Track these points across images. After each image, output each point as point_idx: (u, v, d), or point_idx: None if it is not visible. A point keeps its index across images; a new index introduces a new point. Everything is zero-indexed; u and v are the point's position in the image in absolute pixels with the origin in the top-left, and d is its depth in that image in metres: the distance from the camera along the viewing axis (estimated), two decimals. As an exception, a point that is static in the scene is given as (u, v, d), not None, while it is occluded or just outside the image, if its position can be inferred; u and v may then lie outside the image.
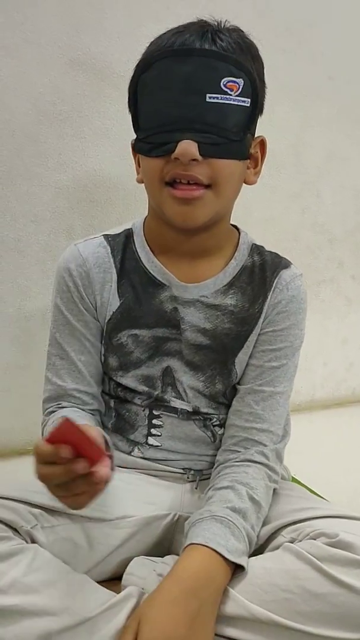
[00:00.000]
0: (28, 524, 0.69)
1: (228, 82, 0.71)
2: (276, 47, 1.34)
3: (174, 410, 0.86)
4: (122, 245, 0.86)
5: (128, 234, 0.87)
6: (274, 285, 0.85)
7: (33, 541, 0.69)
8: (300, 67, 1.39)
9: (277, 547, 0.71)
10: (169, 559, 0.76)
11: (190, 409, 0.86)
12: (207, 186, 0.74)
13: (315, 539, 0.67)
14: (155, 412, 0.86)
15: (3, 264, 1.19)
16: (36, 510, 0.71)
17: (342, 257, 1.64)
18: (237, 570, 0.68)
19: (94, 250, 0.85)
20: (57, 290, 0.86)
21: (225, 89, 0.71)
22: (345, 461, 1.40)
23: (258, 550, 0.75)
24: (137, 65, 0.76)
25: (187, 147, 0.70)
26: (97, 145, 1.21)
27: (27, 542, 0.67)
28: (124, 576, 0.72)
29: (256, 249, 0.88)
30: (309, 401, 1.70)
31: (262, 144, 0.81)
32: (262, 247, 0.89)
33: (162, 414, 0.87)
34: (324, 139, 1.49)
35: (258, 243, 0.90)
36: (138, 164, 0.82)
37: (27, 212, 1.18)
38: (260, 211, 1.44)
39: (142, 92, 0.74)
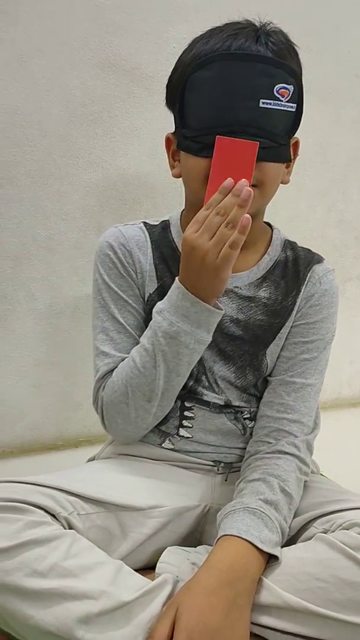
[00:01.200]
0: (65, 510, 0.70)
1: (280, 88, 0.73)
2: (303, 47, 1.34)
3: (207, 403, 0.87)
4: (159, 234, 0.88)
5: (165, 226, 0.90)
6: (307, 279, 0.86)
7: (70, 527, 0.70)
8: (327, 66, 1.40)
9: (309, 538, 0.72)
10: (202, 549, 0.77)
11: (222, 402, 0.87)
12: (255, 185, 0.75)
13: (348, 529, 0.68)
14: (187, 404, 0.88)
15: (34, 261, 1.22)
16: (72, 498, 0.72)
17: (369, 255, 1.64)
18: (270, 560, 0.69)
19: (135, 233, 0.88)
20: (102, 269, 0.87)
21: (278, 95, 0.73)
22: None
23: (290, 541, 0.75)
24: (186, 64, 0.76)
25: None
26: (126, 144, 1.23)
27: (64, 528, 0.69)
28: (157, 564, 0.73)
29: (289, 245, 0.90)
30: (335, 399, 1.70)
31: (296, 144, 0.83)
32: (295, 243, 0.91)
33: (194, 405, 0.88)
34: (350, 137, 1.49)
35: (290, 239, 0.91)
36: (172, 158, 0.84)
37: (59, 211, 1.21)
38: (287, 209, 1.45)
39: (192, 90, 0.75)
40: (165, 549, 0.77)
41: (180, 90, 0.76)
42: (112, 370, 0.85)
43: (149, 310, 0.86)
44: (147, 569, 0.77)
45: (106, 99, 1.19)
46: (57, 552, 0.63)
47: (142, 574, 0.70)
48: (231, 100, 0.72)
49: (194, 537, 0.85)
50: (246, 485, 0.77)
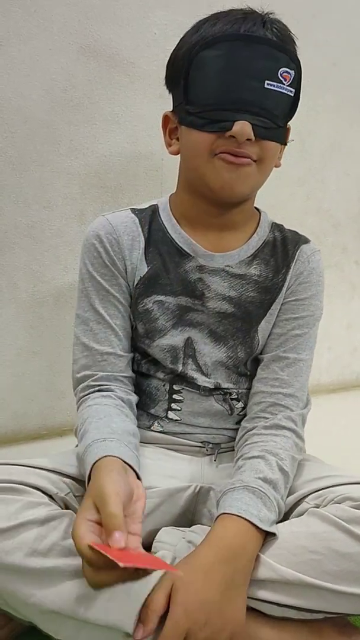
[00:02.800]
0: (62, 491, 0.71)
1: (284, 72, 0.76)
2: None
3: (196, 387, 0.89)
4: (148, 218, 0.89)
5: (154, 209, 0.91)
6: (296, 257, 0.90)
7: (67, 508, 0.70)
8: (304, 54, 1.40)
9: (301, 514, 0.74)
10: (197, 528, 0.78)
11: (211, 386, 0.89)
12: (254, 161, 0.79)
13: (340, 503, 0.70)
14: (175, 388, 0.89)
15: (17, 250, 1.21)
16: (67, 480, 0.73)
17: (346, 242, 1.67)
18: (267, 536, 0.71)
19: (122, 220, 0.89)
20: (87, 258, 0.88)
21: (281, 78, 0.76)
22: (351, 444, 1.43)
23: (283, 518, 0.77)
24: (193, 43, 0.78)
25: (245, 127, 0.75)
26: (107, 131, 1.22)
27: (62, 508, 0.69)
28: (154, 544, 0.74)
29: (276, 227, 0.94)
30: (314, 385, 1.72)
31: (288, 131, 0.86)
32: (282, 225, 0.95)
33: (183, 389, 0.89)
34: (328, 126, 1.51)
35: (277, 222, 0.95)
36: (169, 136, 0.86)
37: (40, 198, 1.20)
38: (267, 197, 1.45)
39: (199, 68, 0.77)
40: (158, 530, 0.79)
41: (185, 68, 0.78)
42: (88, 366, 0.85)
43: (137, 295, 0.87)
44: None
45: (87, 85, 1.18)
46: (56, 531, 0.64)
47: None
48: (238, 79, 0.75)
49: (187, 517, 0.86)
50: (245, 462, 0.79)
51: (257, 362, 0.91)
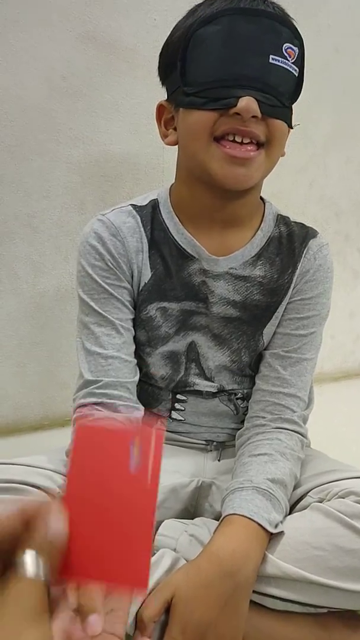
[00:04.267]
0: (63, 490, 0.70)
1: (288, 47, 0.71)
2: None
3: (199, 393, 0.87)
4: (149, 216, 0.84)
5: (154, 205, 0.85)
6: (302, 255, 0.84)
7: None
8: (306, 40, 1.37)
9: (305, 508, 0.73)
10: (199, 521, 0.78)
11: (215, 390, 0.87)
12: (261, 145, 0.73)
13: (343, 498, 0.69)
14: (178, 392, 0.88)
15: (17, 240, 1.20)
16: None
17: (349, 230, 1.65)
18: (272, 535, 0.70)
19: (125, 219, 0.83)
20: (86, 261, 0.81)
21: (285, 54, 0.71)
22: (354, 432, 1.42)
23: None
24: (189, 24, 0.73)
25: (251, 103, 0.69)
26: (107, 119, 1.20)
27: None
28: (156, 537, 0.74)
29: (282, 220, 0.88)
30: (317, 374, 1.70)
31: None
32: (288, 217, 0.89)
33: (185, 393, 0.88)
34: (330, 112, 1.49)
35: (283, 214, 0.89)
36: (165, 127, 0.81)
37: (40, 188, 1.18)
38: (269, 185, 1.43)
39: (197, 46, 0.71)
40: (160, 524, 0.78)
41: (182, 49, 0.72)
42: (92, 372, 0.79)
43: (140, 302, 0.83)
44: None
45: (86, 73, 1.16)
46: None
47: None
48: (240, 54, 0.70)
49: (188, 512, 0.85)
50: (251, 460, 0.77)
51: (260, 360, 0.88)
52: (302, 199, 1.54)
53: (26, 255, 1.21)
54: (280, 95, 0.72)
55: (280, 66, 0.71)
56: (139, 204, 0.85)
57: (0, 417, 1.30)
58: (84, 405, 0.79)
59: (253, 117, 0.70)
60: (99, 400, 0.78)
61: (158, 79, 0.82)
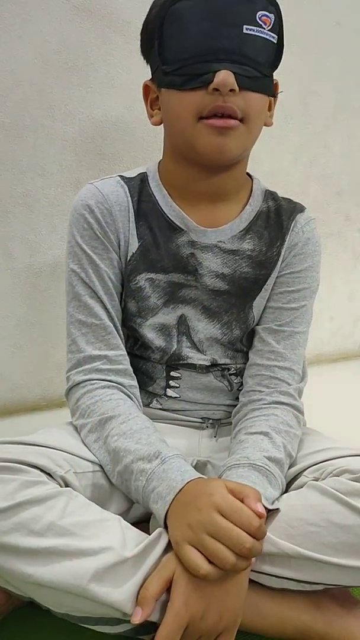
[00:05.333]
0: (62, 469, 0.69)
1: (262, 15, 0.71)
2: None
3: (192, 366, 0.87)
4: (137, 188, 0.85)
5: (143, 178, 0.86)
6: (290, 228, 0.86)
7: (67, 485, 0.69)
8: (308, 13, 1.36)
9: (300, 487, 0.73)
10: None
11: (208, 363, 0.87)
12: (240, 120, 0.74)
13: (338, 476, 0.69)
14: (172, 368, 0.87)
15: (12, 219, 1.18)
16: (68, 456, 0.72)
17: (349, 210, 1.63)
18: (268, 512, 0.69)
19: (113, 189, 0.84)
20: (76, 230, 0.82)
21: (260, 22, 0.71)
22: (352, 413, 1.42)
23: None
24: (163, 1, 0.73)
25: (227, 76, 0.70)
26: (103, 95, 1.18)
27: (61, 486, 0.68)
28: (152, 518, 0.73)
29: (270, 195, 0.89)
30: (316, 355, 1.71)
31: (276, 86, 0.81)
32: (275, 193, 0.90)
33: (180, 368, 0.87)
34: (332, 87, 1.46)
35: (271, 189, 0.90)
36: (151, 107, 0.81)
37: (35, 166, 1.17)
38: (268, 163, 1.42)
39: (172, 24, 0.72)
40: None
41: (158, 27, 0.73)
42: (89, 342, 0.80)
43: (129, 272, 0.84)
44: (140, 522, 0.78)
45: (81, 46, 1.13)
46: (53, 511, 0.62)
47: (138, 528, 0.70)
48: (214, 27, 0.70)
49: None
50: (247, 437, 0.77)
51: (253, 335, 0.89)
52: (302, 177, 1.52)
53: (21, 234, 1.20)
54: (259, 65, 0.72)
55: (255, 35, 0.71)
56: (127, 176, 0.87)
57: (-2, 398, 1.29)
58: (88, 380, 0.79)
59: (231, 90, 0.71)
60: (107, 377, 0.80)
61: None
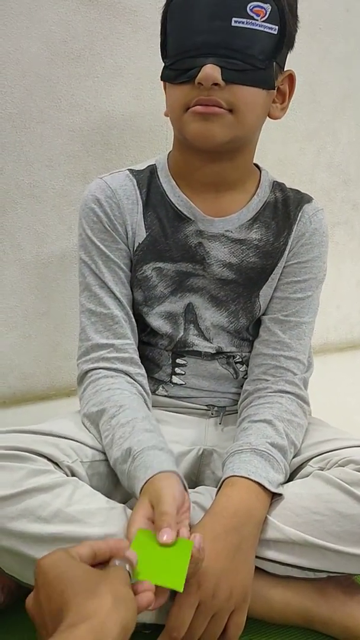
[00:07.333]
0: (69, 458, 0.71)
1: (254, 7, 0.70)
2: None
3: (198, 353, 0.88)
4: (146, 180, 0.86)
5: (152, 170, 0.88)
6: (298, 218, 0.86)
7: (73, 475, 0.71)
8: (316, 0, 1.34)
9: (305, 476, 0.75)
10: (202, 489, 0.79)
11: (213, 351, 0.88)
12: (230, 111, 0.74)
13: (343, 466, 0.70)
14: (178, 354, 0.88)
15: (19, 210, 1.19)
16: (75, 445, 0.73)
17: (357, 198, 1.63)
18: (274, 497, 0.71)
19: (121, 182, 0.86)
20: (86, 223, 0.85)
21: (252, 14, 0.70)
22: (358, 402, 1.43)
23: (287, 480, 0.77)
24: None
25: (210, 71, 0.70)
26: (110, 85, 1.18)
27: (67, 475, 0.70)
28: None
29: (277, 186, 0.90)
30: (322, 344, 1.72)
31: (291, 78, 0.80)
32: (283, 184, 0.91)
33: (185, 355, 0.88)
34: (340, 75, 1.45)
35: (279, 181, 0.91)
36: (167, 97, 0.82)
37: (42, 157, 1.17)
38: (275, 152, 1.42)
39: (170, 19, 0.74)
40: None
41: (162, 22, 0.76)
42: (98, 331, 0.83)
43: (136, 261, 0.85)
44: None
45: (88, 36, 1.13)
46: (60, 498, 0.64)
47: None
48: (201, 21, 0.71)
49: (190, 479, 0.87)
50: (251, 425, 0.78)
51: (259, 325, 0.90)
52: (309, 166, 1.51)
53: (29, 225, 1.20)
54: (250, 58, 0.72)
55: (245, 28, 0.70)
56: (136, 169, 0.88)
57: (7, 387, 1.31)
58: (94, 369, 0.82)
59: (215, 84, 0.71)
60: (113, 365, 0.82)
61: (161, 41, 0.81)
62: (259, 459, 0.72)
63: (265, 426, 0.77)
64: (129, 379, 0.82)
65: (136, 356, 0.85)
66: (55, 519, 0.63)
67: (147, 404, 0.82)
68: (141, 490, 0.66)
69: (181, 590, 0.56)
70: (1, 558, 0.65)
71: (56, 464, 0.69)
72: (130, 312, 0.86)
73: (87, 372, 0.83)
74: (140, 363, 0.85)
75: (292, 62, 0.81)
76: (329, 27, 1.39)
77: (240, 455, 0.73)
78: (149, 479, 0.66)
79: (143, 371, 0.85)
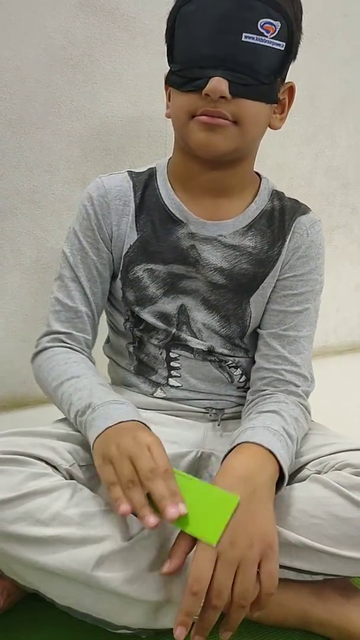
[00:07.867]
0: (67, 462, 0.71)
1: (265, 23, 0.71)
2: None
3: (190, 349, 0.88)
4: (144, 182, 0.88)
5: (151, 173, 0.89)
6: (292, 229, 0.86)
7: (72, 478, 0.71)
8: (315, 4, 1.35)
9: (303, 480, 0.75)
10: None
11: (205, 349, 0.88)
12: (233, 123, 0.75)
13: (340, 470, 0.70)
14: (172, 355, 0.89)
15: (19, 215, 1.19)
16: (73, 448, 0.74)
17: (356, 202, 1.63)
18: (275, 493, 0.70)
19: (117, 183, 0.87)
20: (77, 217, 0.88)
21: (262, 30, 0.71)
22: (358, 405, 1.43)
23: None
24: (177, 1, 0.75)
25: (218, 84, 0.71)
26: (108, 91, 1.19)
27: (66, 479, 0.70)
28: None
29: (276, 195, 0.90)
30: (322, 347, 1.72)
31: (291, 90, 0.81)
32: (282, 193, 0.91)
33: (179, 354, 0.89)
34: (339, 80, 1.46)
35: (279, 189, 0.91)
36: (168, 98, 0.83)
37: (41, 162, 1.18)
38: (273, 157, 1.42)
39: (179, 25, 0.75)
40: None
41: (170, 27, 0.76)
42: (60, 321, 0.86)
43: (127, 262, 0.86)
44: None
45: (86, 42, 1.14)
46: (58, 502, 0.65)
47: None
48: (212, 34, 0.71)
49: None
50: (259, 415, 0.78)
51: (254, 337, 0.90)
52: (308, 170, 1.51)
53: (29, 230, 1.21)
54: (256, 74, 0.73)
55: (255, 44, 0.71)
56: (136, 171, 0.90)
57: (8, 391, 1.31)
58: (50, 348, 0.86)
59: (222, 97, 0.72)
60: (68, 346, 0.86)
61: (160, 48, 0.84)
62: (271, 435, 0.71)
63: (274, 416, 0.77)
64: (83, 355, 0.86)
65: (90, 350, 0.89)
66: (54, 521, 0.64)
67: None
68: (97, 438, 0.69)
69: (214, 545, 0.58)
70: (0, 561, 0.65)
71: (54, 467, 0.70)
72: (96, 311, 0.89)
73: (42, 350, 0.86)
74: (92, 356, 0.89)
75: (291, 66, 0.81)
76: (327, 31, 1.40)
77: (254, 430, 0.73)
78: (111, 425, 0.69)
79: (93, 359, 0.89)
